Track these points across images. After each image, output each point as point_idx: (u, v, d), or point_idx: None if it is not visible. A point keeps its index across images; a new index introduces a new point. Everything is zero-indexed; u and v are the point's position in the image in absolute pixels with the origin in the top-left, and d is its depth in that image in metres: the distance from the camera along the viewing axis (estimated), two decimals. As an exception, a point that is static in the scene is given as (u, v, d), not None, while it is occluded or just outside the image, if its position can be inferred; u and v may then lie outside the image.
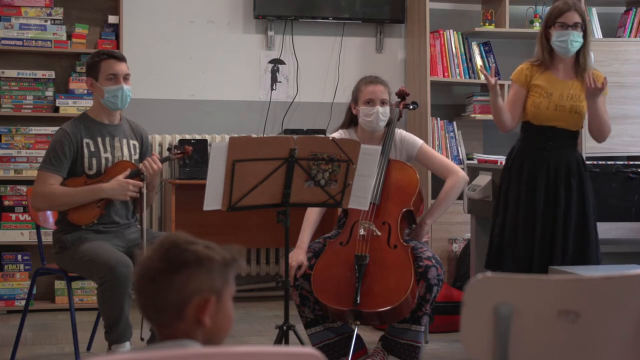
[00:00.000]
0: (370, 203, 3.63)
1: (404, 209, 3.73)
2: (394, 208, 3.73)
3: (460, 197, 4.35)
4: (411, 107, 4.10)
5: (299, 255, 3.67)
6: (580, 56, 3.80)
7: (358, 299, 3.48)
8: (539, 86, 3.81)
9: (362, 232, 3.64)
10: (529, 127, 3.86)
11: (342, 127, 3.98)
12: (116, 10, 5.40)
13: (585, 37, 3.78)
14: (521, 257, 3.74)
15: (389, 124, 3.92)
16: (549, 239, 3.73)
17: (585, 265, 3.67)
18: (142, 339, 3.63)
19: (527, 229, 3.75)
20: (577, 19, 3.74)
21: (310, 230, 3.80)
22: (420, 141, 3.96)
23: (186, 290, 1.62)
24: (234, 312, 1.69)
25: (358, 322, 3.52)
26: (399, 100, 4.06)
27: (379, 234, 3.65)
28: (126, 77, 3.81)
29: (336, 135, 3.91)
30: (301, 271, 3.64)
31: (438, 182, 4.33)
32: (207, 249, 1.66)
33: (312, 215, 3.83)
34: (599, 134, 3.83)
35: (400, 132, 3.95)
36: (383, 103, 3.83)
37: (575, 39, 3.74)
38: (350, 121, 3.96)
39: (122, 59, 3.84)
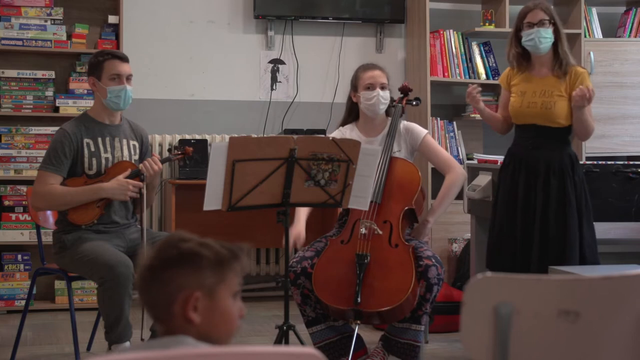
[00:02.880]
0: (372, 202, 3.63)
1: (406, 208, 3.73)
2: (395, 206, 3.73)
3: (460, 197, 4.36)
4: (414, 103, 4.10)
5: (295, 228, 3.69)
6: (560, 51, 3.83)
7: (359, 298, 3.47)
8: (515, 85, 3.91)
9: (363, 230, 3.64)
10: (515, 127, 3.96)
11: (343, 122, 4.00)
12: (116, 10, 5.40)
13: (557, 32, 3.82)
14: (506, 258, 3.79)
15: (388, 113, 3.93)
16: (527, 239, 3.75)
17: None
18: (142, 340, 3.63)
19: (510, 230, 3.80)
20: (542, 16, 3.81)
21: (305, 211, 3.82)
22: (425, 131, 3.98)
23: (171, 286, 1.63)
24: (237, 311, 1.68)
25: (358, 322, 3.52)
26: (402, 96, 4.07)
27: (381, 232, 3.64)
28: (129, 78, 3.81)
29: (337, 133, 3.93)
30: (300, 241, 3.65)
31: (438, 181, 4.33)
32: (198, 245, 1.65)
33: None
34: (582, 136, 3.89)
35: (404, 123, 3.97)
36: (383, 87, 3.88)
37: (542, 35, 3.80)
38: (350, 112, 3.98)
39: (125, 59, 3.85)
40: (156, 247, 1.68)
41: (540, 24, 3.79)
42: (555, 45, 3.83)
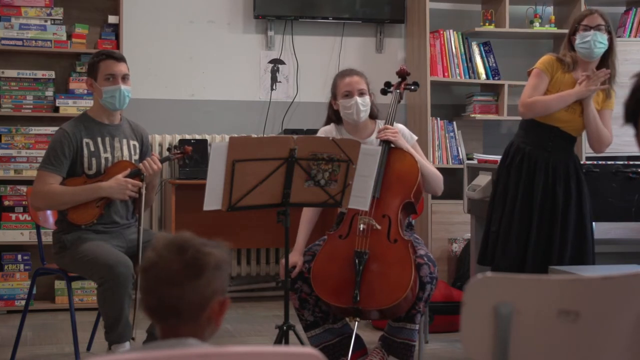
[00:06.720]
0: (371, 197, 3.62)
1: (405, 201, 3.71)
2: (394, 200, 3.68)
3: (460, 197, 4.35)
4: (412, 87, 4.03)
5: (293, 257, 3.66)
6: (609, 62, 3.81)
7: (358, 296, 3.46)
8: (557, 82, 3.83)
9: (362, 227, 3.62)
10: (532, 124, 3.87)
11: (327, 122, 3.94)
12: (116, 10, 5.40)
13: (610, 41, 3.80)
14: (514, 256, 3.78)
15: (375, 116, 3.88)
16: (544, 239, 3.75)
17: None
18: (133, 339, 3.61)
19: (522, 228, 3.78)
20: (600, 21, 3.77)
21: (305, 232, 3.79)
22: (415, 137, 3.94)
23: (207, 292, 1.66)
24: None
25: (358, 319, 3.51)
26: (400, 80, 4.01)
27: (379, 227, 3.62)
28: (125, 78, 3.81)
29: (328, 129, 3.89)
30: (295, 272, 3.63)
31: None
32: (220, 251, 1.70)
33: (307, 215, 3.83)
34: (597, 143, 3.84)
35: (396, 124, 3.90)
36: (361, 93, 3.79)
37: (599, 39, 3.76)
38: (330, 118, 3.92)
39: (121, 59, 3.84)
40: (179, 252, 1.67)
41: (597, 28, 3.75)
42: (605, 54, 3.80)
